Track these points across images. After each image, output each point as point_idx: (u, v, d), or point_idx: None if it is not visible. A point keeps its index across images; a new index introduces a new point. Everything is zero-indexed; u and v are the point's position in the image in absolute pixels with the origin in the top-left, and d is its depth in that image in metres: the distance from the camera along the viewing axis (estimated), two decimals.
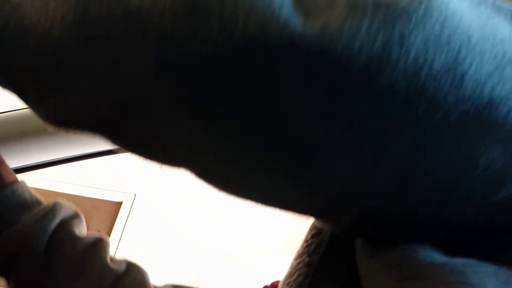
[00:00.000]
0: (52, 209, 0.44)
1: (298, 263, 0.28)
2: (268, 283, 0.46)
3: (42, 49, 0.19)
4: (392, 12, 0.16)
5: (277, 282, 0.36)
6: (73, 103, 0.21)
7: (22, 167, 0.54)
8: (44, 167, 0.57)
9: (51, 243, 0.43)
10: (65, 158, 0.57)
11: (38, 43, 0.19)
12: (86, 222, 0.48)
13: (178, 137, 0.20)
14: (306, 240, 0.29)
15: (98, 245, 0.46)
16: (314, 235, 0.29)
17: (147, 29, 0.17)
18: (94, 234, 0.48)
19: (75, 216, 0.47)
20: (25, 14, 0.19)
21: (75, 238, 0.45)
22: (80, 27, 0.18)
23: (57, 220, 0.44)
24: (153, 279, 0.49)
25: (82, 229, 0.47)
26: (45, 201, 0.45)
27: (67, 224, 0.45)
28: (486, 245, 0.20)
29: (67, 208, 0.46)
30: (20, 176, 0.46)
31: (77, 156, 0.57)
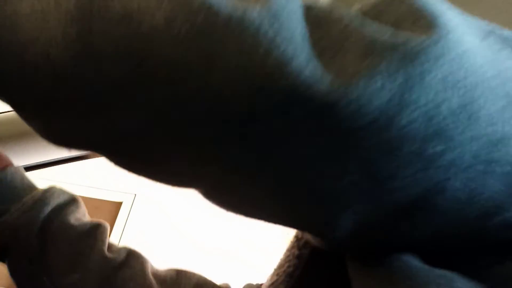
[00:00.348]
0: (42, 198, 0.42)
1: (288, 256, 0.29)
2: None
3: (37, 66, 0.18)
4: (409, 52, 0.16)
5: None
6: (67, 125, 0.19)
7: (23, 167, 0.54)
8: (44, 167, 0.57)
9: (43, 235, 0.41)
10: (65, 158, 0.57)
11: (35, 60, 0.18)
12: None
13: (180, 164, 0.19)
14: (296, 236, 0.29)
15: (95, 233, 0.44)
16: (298, 249, 0.29)
17: (159, 56, 0.16)
18: (92, 220, 0.45)
19: (70, 201, 0.45)
20: (22, 26, 0.18)
21: (69, 228, 0.43)
22: (83, 47, 0.17)
23: (48, 209, 0.42)
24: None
25: (78, 214, 0.45)
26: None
27: (60, 212, 0.43)
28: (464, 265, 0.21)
29: (60, 194, 0.44)
30: None
31: (77, 156, 0.57)
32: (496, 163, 0.17)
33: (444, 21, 0.17)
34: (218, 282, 0.49)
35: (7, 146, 0.51)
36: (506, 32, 0.19)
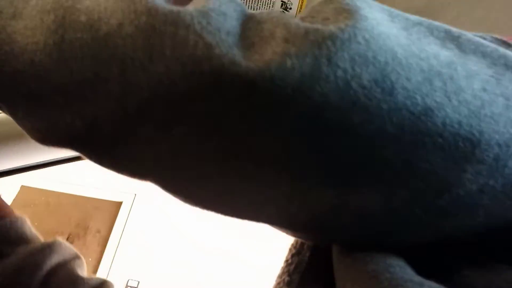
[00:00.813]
0: (51, 245, 0.42)
1: (279, 283, 0.29)
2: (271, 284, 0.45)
3: (26, 71, 0.22)
4: (320, 35, 0.19)
5: None
6: (52, 122, 0.23)
7: (22, 167, 0.54)
8: (44, 167, 0.57)
9: (50, 281, 0.40)
10: (65, 158, 0.57)
11: (24, 66, 0.22)
12: (86, 222, 0.47)
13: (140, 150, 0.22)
14: (286, 260, 0.30)
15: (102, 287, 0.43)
16: (294, 254, 0.29)
17: (113, 54, 0.20)
18: (98, 277, 0.45)
19: (76, 257, 0.45)
20: (17, 40, 0.22)
21: (77, 279, 0.42)
22: (58, 52, 0.21)
23: (56, 258, 0.42)
24: (152, 278, 0.47)
25: (83, 272, 0.45)
26: (46, 201, 0.44)
27: (68, 263, 0.43)
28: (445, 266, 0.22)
29: (67, 248, 0.44)
30: (20, 176, 0.45)
31: (77, 156, 0.57)
32: (422, 134, 0.19)
33: (361, 13, 0.20)
34: (218, 282, 0.48)
35: (7, 146, 0.51)
36: (437, 24, 0.22)
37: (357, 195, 0.21)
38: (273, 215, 0.24)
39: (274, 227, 0.26)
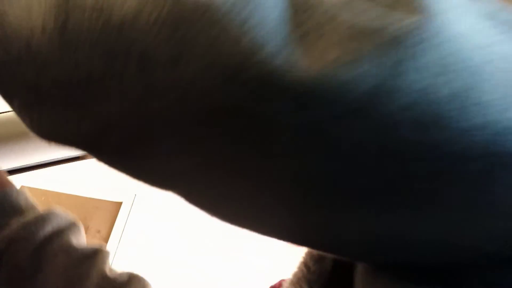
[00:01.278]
0: (44, 216, 0.41)
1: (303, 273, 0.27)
2: (273, 283, 0.45)
3: (21, 58, 0.19)
4: (395, 33, 0.15)
5: (283, 280, 0.35)
6: (53, 118, 0.20)
7: (22, 167, 0.54)
8: (44, 167, 0.57)
9: (42, 253, 0.40)
10: (65, 158, 0.57)
11: (19, 51, 0.18)
12: (86, 222, 0.47)
13: (162, 161, 0.19)
14: (306, 265, 0.27)
15: (96, 256, 0.43)
16: (317, 261, 0.27)
17: (130, 47, 0.16)
18: (93, 244, 0.44)
19: (72, 225, 0.44)
20: (9, 22, 0.19)
21: (71, 248, 0.42)
22: (60, 38, 0.17)
23: (49, 228, 0.41)
24: (152, 278, 0.47)
25: (80, 239, 0.44)
26: (46, 201, 0.44)
27: (62, 233, 0.42)
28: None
29: (63, 217, 0.43)
30: (20, 176, 0.45)
31: (77, 156, 0.57)
32: (500, 156, 0.15)
33: (438, 3, 0.15)
34: (218, 282, 0.48)
35: (7, 146, 0.51)
36: (506, 13, 0.17)
37: (420, 221, 0.17)
38: (314, 239, 0.21)
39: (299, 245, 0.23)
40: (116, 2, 0.16)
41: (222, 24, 0.15)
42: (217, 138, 0.17)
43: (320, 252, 0.26)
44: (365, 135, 0.15)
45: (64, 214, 0.44)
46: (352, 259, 0.22)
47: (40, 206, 0.44)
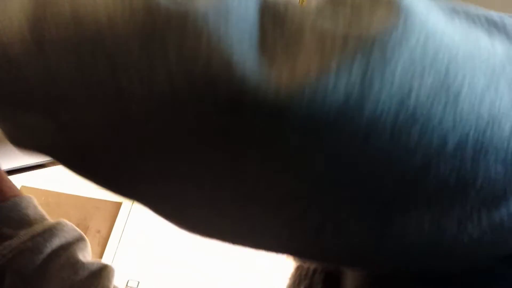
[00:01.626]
0: (52, 229, 0.41)
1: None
2: (273, 283, 0.45)
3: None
4: (364, 42, 0.15)
5: None
6: (27, 126, 0.19)
7: (23, 167, 0.54)
8: (44, 167, 0.57)
9: (49, 266, 0.40)
10: None
11: None
12: (86, 222, 0.47)
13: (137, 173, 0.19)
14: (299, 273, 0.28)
15: (102, 272, 0.43)
16: (306, 277, 0.27)
17: (104, 58, 0.16)
18: (99, 261, 0.44)
19: (80, 239, 0.44)
20: None
21: (77, 263, 0.41)
22: (35, 48, 0.17)
23: (57, 241, 0.41)
24: (152, 278, 0.47)
25: (86, 255, 0.44)
26: (46, 201, 0.44)
27: (69, 248, 0.42)
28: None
29: (71, 231, 0.43)
30: (20, 176, 0.45)
31: None
32: (485, 149, 0.16)
33: (404, 2, 0.15)
34: (218, 282, 0.48)
35: (7, 146, 0.51)
36: (467, 7, 0.18)
37: (405, 221, 0.17)
38: (303, 250, 0.21)
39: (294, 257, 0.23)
40: (92, 10, 0.16)
41: (196, 37, 0.15)
42: (188, 159, 0.17)
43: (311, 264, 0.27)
44: (339, 149, 0.15)
45: (71, 227, 0.44)
46: (349, 267, 0.23)
47: (40, 206, 0.44)
